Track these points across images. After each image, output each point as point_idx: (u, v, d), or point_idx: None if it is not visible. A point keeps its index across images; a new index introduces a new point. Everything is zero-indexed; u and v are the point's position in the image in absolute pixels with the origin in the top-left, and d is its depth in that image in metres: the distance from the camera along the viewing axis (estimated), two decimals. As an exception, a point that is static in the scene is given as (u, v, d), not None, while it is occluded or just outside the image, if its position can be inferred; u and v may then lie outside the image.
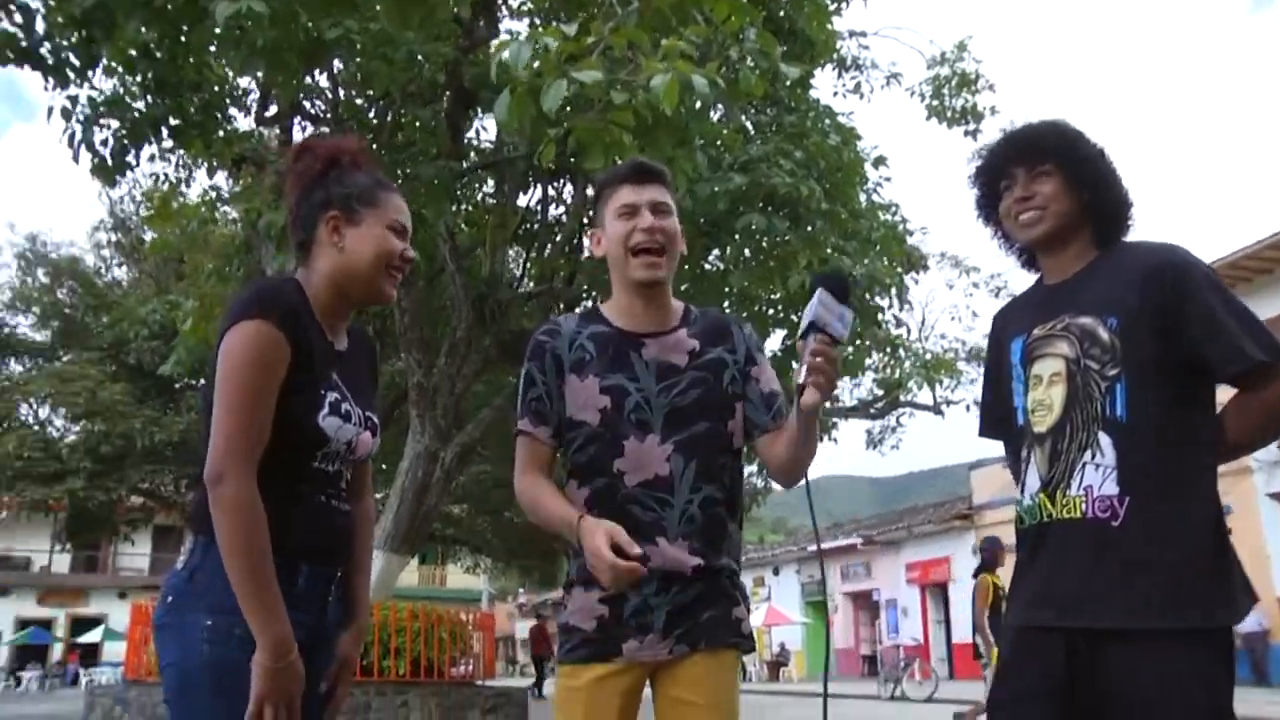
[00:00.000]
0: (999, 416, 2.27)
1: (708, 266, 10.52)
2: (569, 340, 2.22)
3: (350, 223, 2.02)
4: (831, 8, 10.46)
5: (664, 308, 2.26)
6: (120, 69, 7.24)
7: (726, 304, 11.14)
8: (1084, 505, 1.99)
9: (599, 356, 2.19)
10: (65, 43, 6.40)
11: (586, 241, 10.53)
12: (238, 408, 1.81)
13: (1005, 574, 4.47)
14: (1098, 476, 1.98)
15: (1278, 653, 18.38)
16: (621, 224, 2.20)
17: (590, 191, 10.28)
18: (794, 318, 11.46)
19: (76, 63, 6.49)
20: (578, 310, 2.45)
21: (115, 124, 7.15)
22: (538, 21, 10.05)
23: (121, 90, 7.29)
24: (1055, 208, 2.12)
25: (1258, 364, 1.94)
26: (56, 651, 37.75)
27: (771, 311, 11.47)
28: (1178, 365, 1.99)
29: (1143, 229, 2.25)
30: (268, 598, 1.77)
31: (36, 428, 22.74)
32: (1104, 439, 1.99)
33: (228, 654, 1.79)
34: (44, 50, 6.32)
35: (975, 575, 8.82)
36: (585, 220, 10.67)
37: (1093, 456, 1.99)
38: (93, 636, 35.98)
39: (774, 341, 12.56)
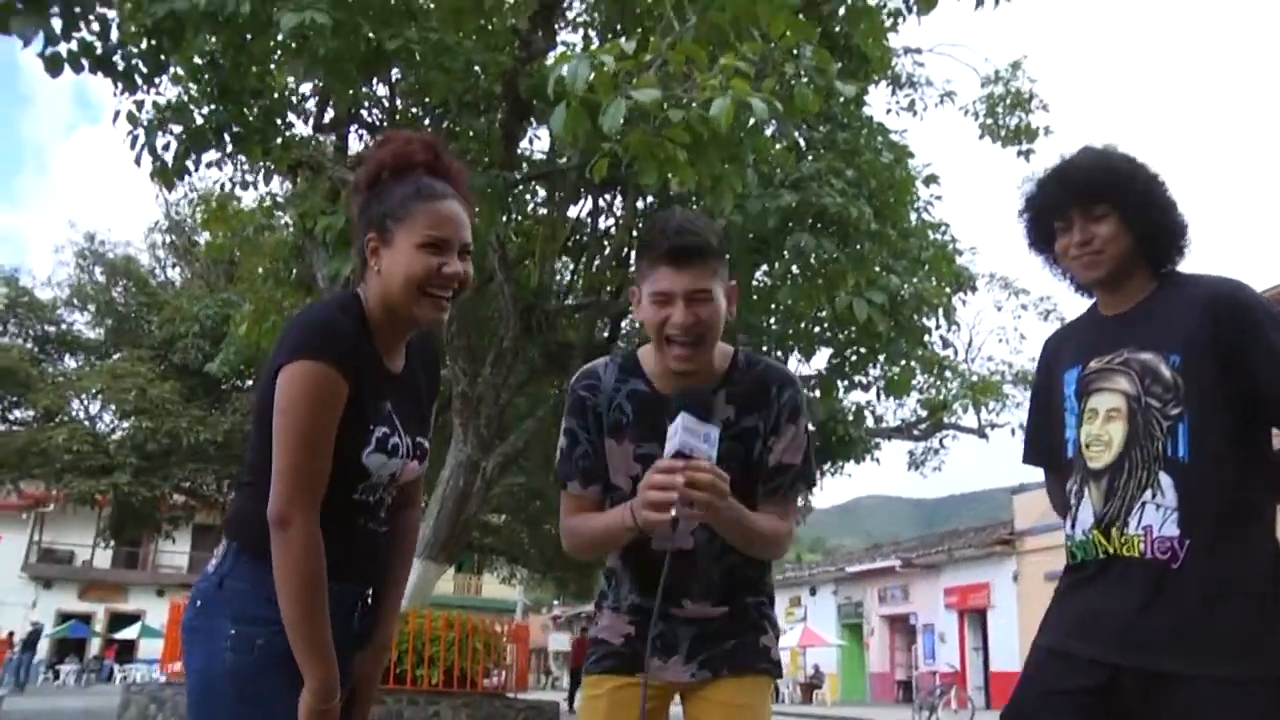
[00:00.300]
0: (1046, 444, 2.26)
1: (755, 283, 10.50)
2: (608, 399, 2.20)
3: (385, 244, 1.90)
4: (888, 24, 10.41)
5: (703, 375, 2.17)
6: (185, 76, 7.41)
7: (773, 320, 11.09)
8: (1143, 545, 1.96)
9: (636, 422, 2.18)
10: (136, 51, 6.57)
11: (632, 252, 10.38)
12: (300, 451, 1.77)
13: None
14: (1158, 517, 1.96)
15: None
16: (655, 310, 2.09)
17: (640, 204, 10.37)
18: (840, 336, 11.42)
19: (145, 70, 6.65)
20: (619, 352, 2.40)
21: (178, 129, 7.30)
22: (592, 35, 10.12)
23: (185, 97, 7.45)
24: (1113, 250, 2.11)
25: None
26: (94, 646, 38.09)
27: (818, 329, 11.43)
28: (1239, 403, 1.97)
29: (1198, 254, 2.22)
30: (321, 640, 1.77)
31: (86, 422, 23.18)
32: (1165, 479, 1.97)
33: (250, 663, 1.79)
34: (116, 58, 6.48)
35: None
36: (634, 233, 10.67)
37: (1153, 496, 1.97)
38: (130, 633, 36.43)
39: (820, 360, 12.51)
